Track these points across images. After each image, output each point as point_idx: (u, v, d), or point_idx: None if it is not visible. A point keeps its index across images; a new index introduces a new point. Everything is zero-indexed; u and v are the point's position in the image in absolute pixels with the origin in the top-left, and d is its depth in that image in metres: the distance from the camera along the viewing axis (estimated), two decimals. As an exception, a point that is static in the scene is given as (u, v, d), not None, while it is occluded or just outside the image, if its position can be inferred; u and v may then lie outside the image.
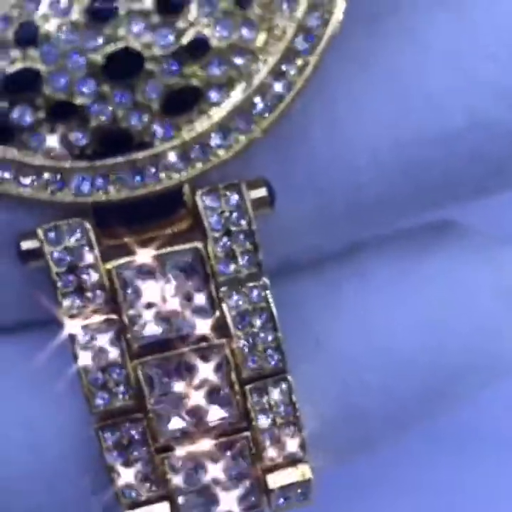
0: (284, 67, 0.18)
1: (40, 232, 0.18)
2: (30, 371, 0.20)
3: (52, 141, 0.18)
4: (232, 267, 0.18)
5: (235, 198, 0.18)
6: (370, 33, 0.20)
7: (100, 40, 0.17)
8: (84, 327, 0.18)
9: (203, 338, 0.18)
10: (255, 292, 0.18)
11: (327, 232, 0.20)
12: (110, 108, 0.18)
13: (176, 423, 0.19)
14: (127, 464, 0.19)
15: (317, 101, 0.19)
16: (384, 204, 0.20)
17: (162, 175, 0.18)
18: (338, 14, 0.18)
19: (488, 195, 0.21)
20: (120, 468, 0.19)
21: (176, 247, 0.18)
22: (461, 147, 0.20)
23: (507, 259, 0.21)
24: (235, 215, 0.18)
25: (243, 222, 0.18)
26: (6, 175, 0.18)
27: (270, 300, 0.18)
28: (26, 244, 0.19)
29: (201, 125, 0.18)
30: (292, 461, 0.19)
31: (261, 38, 0.18)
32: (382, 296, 0.21)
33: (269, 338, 0.19)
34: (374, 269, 0.21)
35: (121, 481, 0.19)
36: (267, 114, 0.18)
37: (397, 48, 0.20)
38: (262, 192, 0.19)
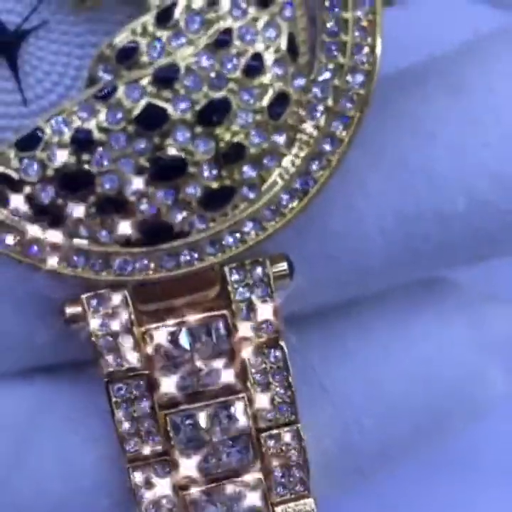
0: (309, 167, 0.20)
1: (83, 299, 0.21)
2: (69, 408, 0.23)
3: (103, 236, 0.20)
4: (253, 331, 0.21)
5: (258, 272, 0.21)
6: (380, 121, 0.22)
7: (148, 147, 0.19)
8: (118, 381, 0.21)
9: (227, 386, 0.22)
10: (274, 353, 0.21)
11: (334, 292, 0.23)
12: (155, 205, 0.20)
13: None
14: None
15: (332, 182, 0.21)
16: (386, 268, 0.23)
17: (196, 260, 0.20)
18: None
19: (478, 261, 0.24)
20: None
21: (205, 314, 0.21)
22: (458, 224, 0.23)
23: (489, 316, 0.25)
24: (258, 287, 0.21)
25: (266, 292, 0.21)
26: (55, 257, 0.20)
27: (288, 362, 0.21)
28: (70, 310, 0.21)
29: (234, 218, 0.20)
30: (297, 496, 0.22)
31: (290, 142, 0.20)
32: (379, 347, 0.24)
33: (285, 393, 0.22)
34: (373, 322, 0.24)
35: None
36: (293, 205, 0.20)
37: (404, 135, 0.22)
38: (283, 266, 0.21)
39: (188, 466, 0.21)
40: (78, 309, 0.21)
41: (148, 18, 0.19)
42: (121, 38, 0.19)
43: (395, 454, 0.25)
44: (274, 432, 0.22)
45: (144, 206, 0.20)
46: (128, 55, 0.19)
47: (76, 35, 0.20)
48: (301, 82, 0.20)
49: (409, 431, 0.24)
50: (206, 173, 0.20)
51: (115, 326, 0.21)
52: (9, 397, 0.24)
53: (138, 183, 0.20)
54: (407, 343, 0.24)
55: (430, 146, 0.22)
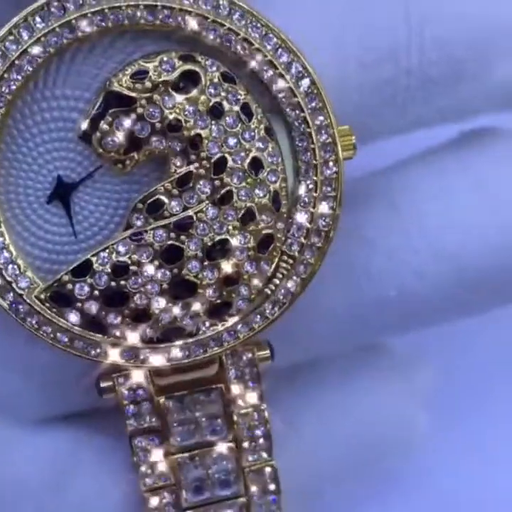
0: (287, 284, 0.27)
1: (114, 377, 0.27)
2: (89, 452, 0.30)
3: (133, 337, 0.27)
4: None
5: (248, 356, 0.28)
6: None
7: (169, 275, 0.26)
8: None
9: None
10: (257, 415, 0.29)
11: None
12: (172, 316, 0.27)
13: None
14: None
15: None
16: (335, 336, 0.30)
17: (202, 352, 0.27)
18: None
19: (408, 331, 0.31)
20: None
21: (206, 387, 0.28)
22: (391, 306, 0.30)
23: (419, 376, 0.32)
24: (247, 368, 0.28)
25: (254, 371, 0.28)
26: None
27: (268, 420, 0.28)
28: (103, 383, 0.27)
29: (230, 322, 0.27)
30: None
31: (275, 268, 0.27)
32: (329, 403, 0.31)
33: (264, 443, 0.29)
34: (327, 378, 0.31)
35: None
36: (276, 311, 0.27)
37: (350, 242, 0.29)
38: (266, 352, 0.28)
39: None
40: (110, 383, 0.27)
41: (168, 184, 0.26)
42: (150, 195, 0.26)
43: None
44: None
45: (164, 317, 0.27)
46: (155, 209, 0.25)
47: (114, 191, 0.26)
48: (281, 225, 0.27)
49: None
50: (210, 293, 0.26)
51: (138, 397, 0.28)
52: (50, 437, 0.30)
53: (161, 302, 0.26)
54: (344, 407, 0.31)
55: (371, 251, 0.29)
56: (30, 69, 0.25)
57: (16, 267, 0.26)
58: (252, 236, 0.26)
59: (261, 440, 0.29)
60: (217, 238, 0.26)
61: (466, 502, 0.37)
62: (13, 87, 0.25)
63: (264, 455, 0.29)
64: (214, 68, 0.25)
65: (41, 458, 0.30)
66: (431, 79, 0.28)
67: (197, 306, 0.26)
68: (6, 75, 0.25)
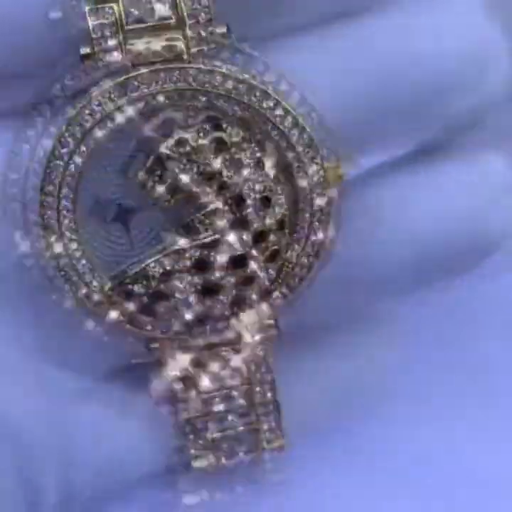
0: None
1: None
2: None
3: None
4: None
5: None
6: None
7: (199, 279, 0.36)
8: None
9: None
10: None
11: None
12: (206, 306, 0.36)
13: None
14: None
15: None
16: None
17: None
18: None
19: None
20: None
21: None
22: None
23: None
24: None
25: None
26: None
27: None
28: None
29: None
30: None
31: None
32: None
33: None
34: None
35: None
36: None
37: None
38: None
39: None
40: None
41: (201, 215, 0.35)
42: (187, 223, 0.35)
43: None
44: None
45: (197, 309, 0.36)
46: (191, 232, 0.34)
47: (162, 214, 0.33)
48: (284, 242, 0.36)
49: None
50: (231, 292, 0.36)
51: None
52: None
53: (195, 298, 0.36)
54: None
55: None
56: None
57: (89, 269, 0.35)
58: (263, 250, 0.35)
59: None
60: (237, 253, 0.35)
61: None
62: None
63: None
64: (236, 133, 0.34)
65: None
66: (403, 112, 0.37)
67: (222, 299, 0.36)
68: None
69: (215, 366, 0.37)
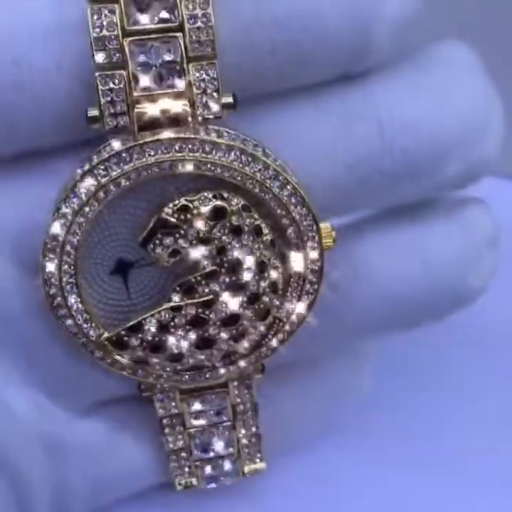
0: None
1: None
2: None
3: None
4: None
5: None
6: None
7: (195, 334, 0.37)
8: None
9: None
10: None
11: None
12: (198, 358, 0.38)
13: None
14: None
15: None
16: None
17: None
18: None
19: None
20: None
21: None
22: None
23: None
24: None
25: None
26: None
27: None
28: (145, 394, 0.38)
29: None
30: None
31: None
32: None
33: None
34: None
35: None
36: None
37: None
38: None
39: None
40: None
41: (199, 276, 0.36)
42: (185, 283, 0.36)
43: None
44: None
45: (191, 360, 0.38)
46: (188, 291, 0.34)
47: (161, 270, 0.34)
48: (276, 302, 0.37)
49: None
50: (224, 346, 0.37)
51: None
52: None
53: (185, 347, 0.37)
54: None
55: None
56: None
57: (88, 320, 0.36)
58: (256, 310, 0.37)
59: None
60: (230, 312, 0.36)
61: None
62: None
63: None
64: (236, 202, 0.35)
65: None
66: (396, 177, 0.38)
67: (215, 354, 0.37)
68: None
69: (201, 406, 0.38)
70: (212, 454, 0.40)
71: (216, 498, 0.42)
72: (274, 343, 0.37)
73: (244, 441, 0.40)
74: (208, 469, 0.40)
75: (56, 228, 0.33)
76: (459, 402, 0.44)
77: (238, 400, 0.39)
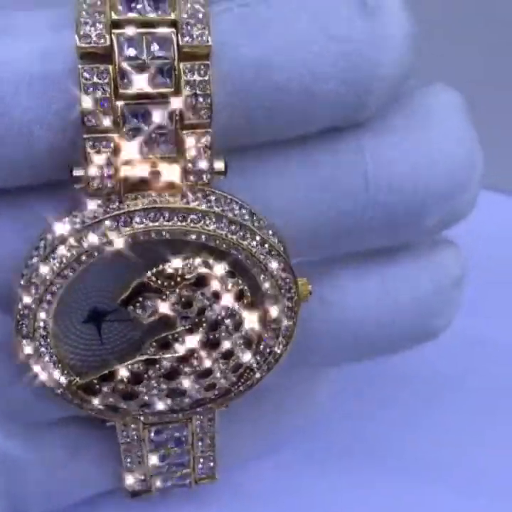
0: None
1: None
2: None
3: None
4: None
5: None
6: None
7: (166, 386, 0.37)
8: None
9: None
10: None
11: None
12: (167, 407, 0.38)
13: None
14: None
15: None
16: None
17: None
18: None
19: None
20: None
21: None
22: None
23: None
24: None
25: None
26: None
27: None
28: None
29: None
30: None
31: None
32: None
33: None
34: None
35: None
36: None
37: None
38: None
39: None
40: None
41: (176, 333, 0.36)
42: (161, 339, 0.36)
43: None
44: None
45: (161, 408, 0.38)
46: (164, 346, 0.35)
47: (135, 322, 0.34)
48: (251, 357, 0.37)
49: None
50: (195, 395, 0.38)
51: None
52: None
53: (161, 401, 0.37)
54: None
55: None
56: None
57: (60, 367, 0.36)
58: (229, 365, 0.37)
59: None
60: (206, 368, 0.37)
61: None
62: None
63: None
64: (221, 268, 0.34)
65: None
66: (376, 228, 0.38)
67: (185, 402, 0.38)
68: None
69: (163, 434, 0.39)
70: (166, 468, 0.41)
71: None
72: (242, 388, 0.37)
73: (200, 460, 0.41)
74: (161, 480, 0.40)
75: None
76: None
77: (198, 429, 0.39)
